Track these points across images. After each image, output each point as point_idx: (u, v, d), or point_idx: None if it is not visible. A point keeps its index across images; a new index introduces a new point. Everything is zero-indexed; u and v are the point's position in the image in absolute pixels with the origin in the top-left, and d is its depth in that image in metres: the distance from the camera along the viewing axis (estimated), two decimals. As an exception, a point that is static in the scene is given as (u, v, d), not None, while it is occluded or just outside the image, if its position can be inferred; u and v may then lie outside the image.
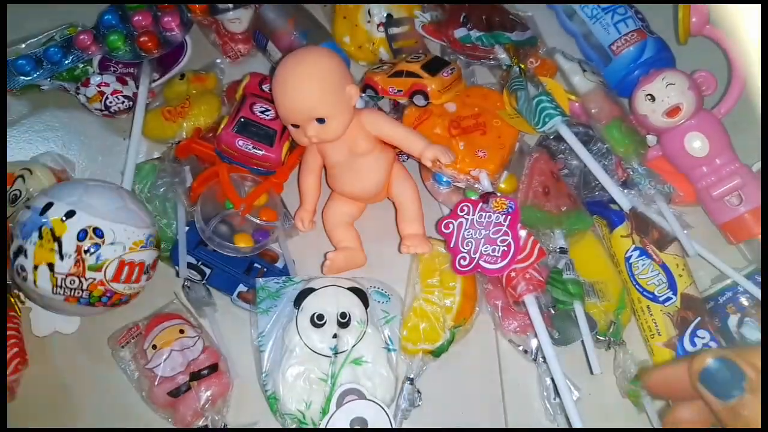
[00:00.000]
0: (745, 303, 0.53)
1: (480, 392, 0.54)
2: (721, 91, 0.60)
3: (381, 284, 0.55)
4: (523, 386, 0.54)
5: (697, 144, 0.56)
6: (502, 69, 0.61)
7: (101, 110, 0.65)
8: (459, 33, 0.61)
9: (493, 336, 0.56)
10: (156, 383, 0.51)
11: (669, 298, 0.53)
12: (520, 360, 0.54)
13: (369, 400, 0.48)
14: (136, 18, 0.65)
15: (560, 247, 0.54)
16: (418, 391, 0.52)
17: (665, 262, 0.54)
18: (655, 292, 0.53)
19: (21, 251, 0.50)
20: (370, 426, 0.46)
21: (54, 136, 0.68)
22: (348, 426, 0.47)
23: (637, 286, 0.54)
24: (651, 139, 0.59)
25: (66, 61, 0.65)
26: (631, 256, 0.55)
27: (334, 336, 0.49)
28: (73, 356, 0.57)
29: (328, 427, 0.46)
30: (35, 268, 0.50)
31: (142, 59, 0.65)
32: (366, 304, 0.51)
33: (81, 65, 0.66)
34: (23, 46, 0.67)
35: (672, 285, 0.53)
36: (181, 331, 0.53)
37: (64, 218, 0.50)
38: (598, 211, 0.57)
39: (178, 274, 0.55)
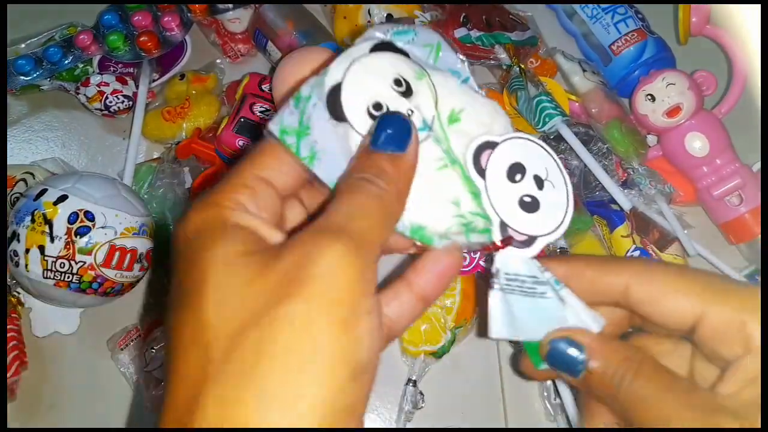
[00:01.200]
0: (746, 303, 0.53)
1: (481, 393, 0.54)
2: (722, 91, 0.60)
3: (389, 26, 0.36)
4: (524, 387, 0.54)
5: (697, 144, 0.56)
6: (502, 69, 0.61)
7: (101, 110, 0.65)
8: (459, 33, 0.61)
9: (494, 336, 0.56)
10: (155, 386, 0.51)
11: (669, 299, 0.53)
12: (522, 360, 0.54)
13: (504, 140, 0.32)
14: (136, 18, 0.65)
15: (560, 248, 0.53)
16: (421, 393, 0.52)
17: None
18: (656, 293, 0.53)
19: (14, 236, 0.51)
20: (532, 167, 0.31)
21: (53, 136, 0.68)
22: (513, 182, 0.31)
23: (637, 286, 0.54)
24: (651, 139, 0.59)
25: (66, 61, 0.65)
26: (631, 257, 0.55)
27: (410, 112, 0.32)
28: (73, 357, 0.57)
29: (492, 199, 0.31)
30: (27, 251, 0.50)
31: (141, 59, 0.65)
32: (405, 53, 0.34)
33: (81, 65, 0.66)
34: (23, 45, 0.67)
35: (672, 285, 0.53)
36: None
37: (55, 202, 0.50)
38: (598, 211, 0.57)
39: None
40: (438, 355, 0.53)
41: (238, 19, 0.66)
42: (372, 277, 0.23)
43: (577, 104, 0.60)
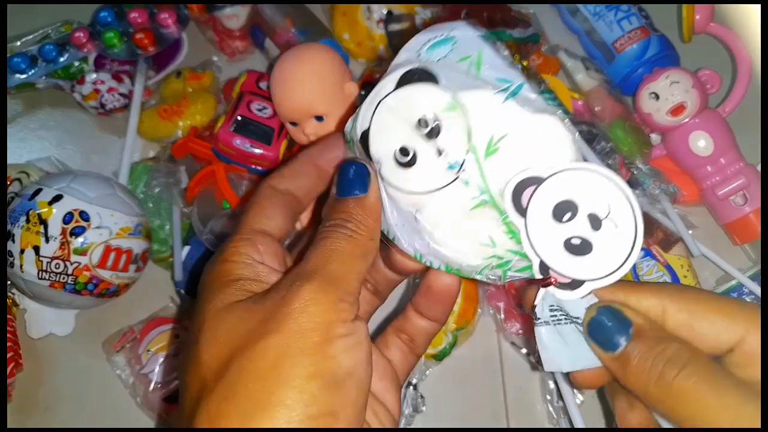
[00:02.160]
0: (750, 304, 0.52)
1: (482, 395, 0.54)
2: (726, 90, 0.59)
3: (427, 36, 0.31)
4: (526, 389, 0.53)
5: (701, 143, 0.55)
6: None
7: (97, 108, 0.65)
8: (460, 30, 0.60)
9: (495, 338, 0.55)
10: (151, 388, 0.51)
11: (673, 300, 0.52)
12: (523, 362, 0.54)
13: (552, 174, 0.28)
14: (133, 15, 0.64)
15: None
16: (422, 396, 0.51)
17: (670, 263, 0.53)
18: (660, 294, 0.52)
19: (9, 236, 0.51)
20: (587, 205, 0.28)
21: (48, 135, 0.68)
22: (559, 222, 0.28)
23: (641, 287, 0.53)
24: (655, 138, 0.58)
25: (61, 59, 0.64)
26: (663, 282, 0.54)
27: (440, 152, 0.28)
28: (68, 359, 0.57)
29: (532, 240, 0.28)
30: (21, 252, 0.50)
31: (138, 57, 0.64)
32: (435, 80, 0.29)
33: (76, 63, 0.65)
34: (18, 43, 0.66)
35: (676, 286, 0.53)
36: (177, 336, 0.52)
37: (51, 202, 0.50)
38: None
39: (173, 277, 0.55)
40: (439, 357, 0.52)
41: (235, 16, 0.66)
42: (348, 307, 0.26)
43: (580, 102, 0.59)
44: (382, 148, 0.29)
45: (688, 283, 0.53)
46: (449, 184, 0.28)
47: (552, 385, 0.50)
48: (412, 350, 0.34)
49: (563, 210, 0.28)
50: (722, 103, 0.59)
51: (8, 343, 0.55)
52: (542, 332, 0.28)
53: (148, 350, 0.52)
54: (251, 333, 0.25)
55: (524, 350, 0.53)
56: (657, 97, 0.56)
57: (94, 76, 0.64)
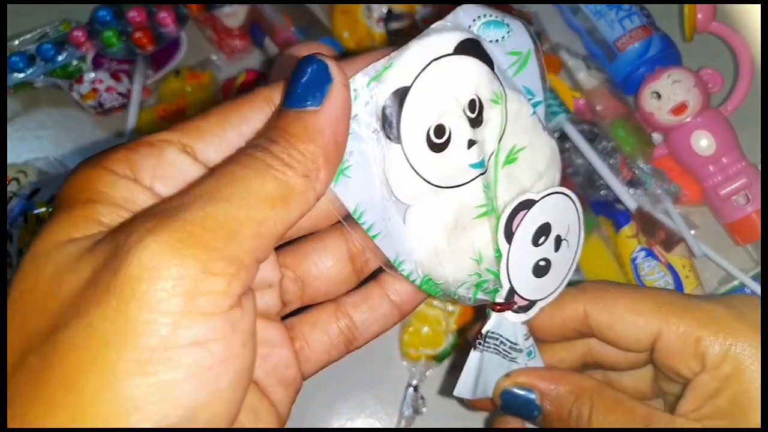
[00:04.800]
0: (753, 305, 0.52)
1: (482, 396, 0.54)
2: (728, 89, 0.59)
3: (484, 10, 0.28)
4: (527, 390, 0.53)
5: (703, 142, 0.55)
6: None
7: (95, 107, 0.64)
8: (461, 29, 0.60)
9: (496, 339, 0.55)
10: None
11: (675, 300, 0.52)
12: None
13: (541, 197, 0.27)
14: (131, 14, 0.64)
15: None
16: (422, 397, 0.51)
17: (671, 264, 0.53)
18: (662, 294, 0.52)
19: (7, 236, 0.50)
20: (557, 226, 0.28)
21: (46, 135, 0.67)
22: (536, 246, 0.28)
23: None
24: (657, 137, 0.58)
25: (59, 58, 0.64)
26: (637, 257, 0.54)
27: (471, 144, 0.25)
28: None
29: (509, 268, 0.27)
30: (19, 252, 0.49)
31: (136, 56, 0.64)
32: (491, 63, 0.25)
33: (75, 62, 0.65)
34: (16, 42, 0.66)
35: (678, 287, 0.52)
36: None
37: (49, 201, 0.50)
38: (603, 211, 0.56)
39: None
40: (439, 359, 0.52)
41: (234, 15, 0.65)
42: (223, 282, 0.17)
43: (581, 101, 0.59)
44: (419, 119, 0.23)
45: (690, 283, 0.53)
46: (467, 183, 0.25)
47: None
48: (347, 345, 0.26)
49: (541, 233, 0.27)
50: (724, 102, 0.58)
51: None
52: (474, 358, 0.28)
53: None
54: (62, 309, 0.17)
55: (525, 351, 0.53)
56: (659, 96, 0.55)
57: (92, 75, 0.63)
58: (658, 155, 0.58)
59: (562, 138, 0.56)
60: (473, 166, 0.25)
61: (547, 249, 0.27)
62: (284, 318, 0.25)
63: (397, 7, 0.64)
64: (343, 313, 0.26)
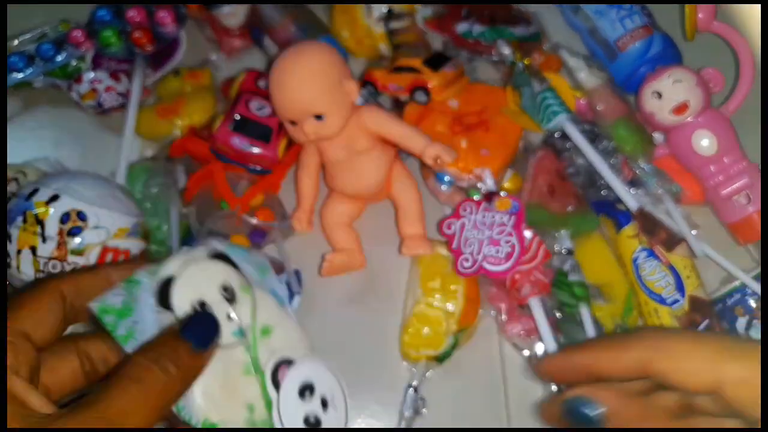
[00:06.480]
0: (754, 305, 0.52)
1: (484, 397, 0.53)
2: (729, 89, 0.59)
3: (226, 242, 0.40)
4: (528, 393, 0.53)
5: (704, 142, 0.55)
6: (506, 65, 0.60)
7: (94, 107, 0.64)
8: (461, 28, 0.60)
9: (497, 340, 0.55)
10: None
11: (677, 301, 0.52)
12: (524, 364, 0.53)
13: (300, 360, 0.37)
14: (130, 13, 0.64)
15: (566, 249, 0.53)
16: (422, 398, 0.51)
17: (673, 264, 0.53)
18: (663, 295, 0.52)
19: (6, 237, 0.50)
20: (321, 386, 0.37)
21: (46, 134, 0.68)
22: (302, 400, 0.36)
23: (644, 288, 0.53)
24: (658, 137, 0.58)
25: (59, 58, 0.64)
26: (638, 257, 0.53)
27: (229, 317, 0.35)
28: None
29: (281, 413, 0.35)
30: (18, 252, 0.49)
31: (135, 55, 0.64)
32: (234, 264, 0.38)
33: (74, 62, 0.65)
34: (16, 42, 0.66)
35: (680, 287, 0.52)
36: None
37: (48, 201, 0.49)
38: (604, 210, 0.56)
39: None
40: (439, 359, 0.52)
41: (234, 14, 0.65)
42: None
43: (582, 101, 0.59)
44: (186, 295, 0.34)
45: (691, 284, 0.52)
46: (230, 345, 0.34)
47: (554, 387, 0.50)
48: (87, 376, 0.32)
49: (305, 389, 0.35)
50: (725, 102, 0.58)
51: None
52: None
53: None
54: None
55: (526, 352, 0.53)
56: (660, 95, 0.55)
57: (91, 75, 0.63)
58: (659, 155, 0.57)
59: (564, 138, 0.56)
60: (234, 334, 0.34)
61: (314, 406, 0.35)
62: None
63: (397, 7, 0.64)
64: (81, 350, 0.32)
